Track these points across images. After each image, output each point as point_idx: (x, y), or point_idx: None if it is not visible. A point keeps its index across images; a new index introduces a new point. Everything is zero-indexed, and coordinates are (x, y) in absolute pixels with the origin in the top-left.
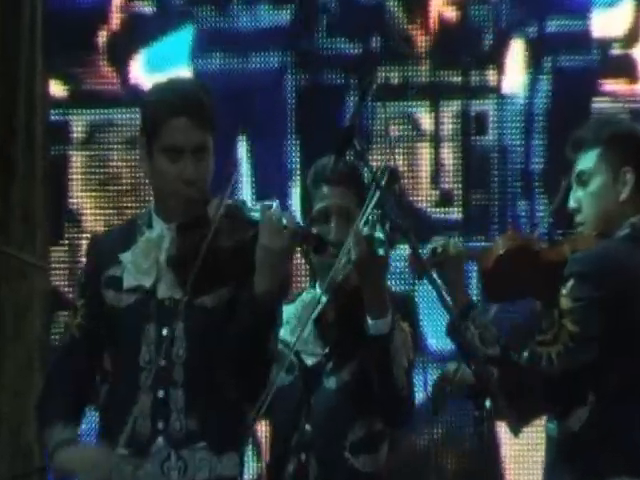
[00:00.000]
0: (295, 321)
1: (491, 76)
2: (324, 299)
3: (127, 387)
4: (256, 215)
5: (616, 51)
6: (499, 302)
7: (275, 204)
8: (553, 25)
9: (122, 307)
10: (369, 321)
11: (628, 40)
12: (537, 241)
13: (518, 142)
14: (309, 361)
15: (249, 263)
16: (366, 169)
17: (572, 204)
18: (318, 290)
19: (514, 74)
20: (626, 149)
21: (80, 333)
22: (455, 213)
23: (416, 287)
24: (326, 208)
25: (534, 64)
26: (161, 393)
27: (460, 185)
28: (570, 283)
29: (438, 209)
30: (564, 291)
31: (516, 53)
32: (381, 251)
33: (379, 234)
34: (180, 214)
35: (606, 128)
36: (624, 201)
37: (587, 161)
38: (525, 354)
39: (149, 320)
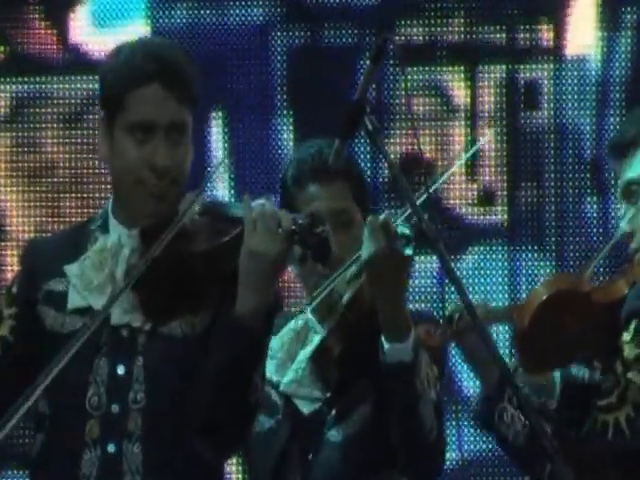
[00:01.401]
0: (283, 355)
1: (546, 33)
2: (321, 328)
3: (69, 438)
4: (240, 211)
5: None
6: (542, 372)
7: (266, 201)
8: None
9: (65, 333)
10: (385, 346)
11: None
12: (585, 281)
13: (584, 121)
14: (305, 409)
15: (233, 273)
16: (381, 156)
17: (624, 227)
18: (311, 315)
19: (580, 30)
20: None
21: (1, 349)
22: (498, 214)
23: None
24: (317, 212)
25: (609, 17)
26: (112, 447)
27: (505, 178)
28: (633, 325)
29: (476, 209)
30: (627, 336)
31: (583, 2)
32: (408, 250)
33: (404, 229)
34: (146, 215)
35: None
36: None
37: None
38: (587, 427)
39: (100, 353)
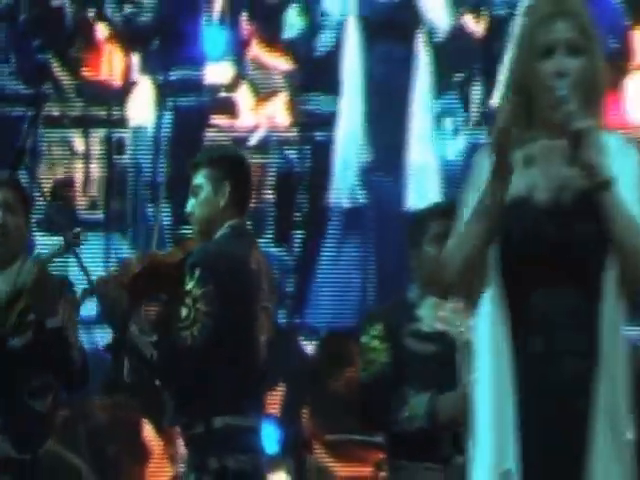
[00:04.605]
0: None
1: (128, 111)
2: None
3: None
4: None
5: (222, 94)
6: (141, 299)
7: None
8: (176, 73)
9: None
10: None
11: (230, 86)
12: (158, 252)
13: (148, 161)
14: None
15: None
16: (33, 182)
17: (189, 209)
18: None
19: (146, 110)
20: (224, 167)
21: None
22: (100, 215)
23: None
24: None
25: (160, 103)
26: None
27: (104, 193)
28: (197, 273)
29: (87, 211)
30: (190, 281)
31: (147, 94)
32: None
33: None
34: None
35: (211, 153)
36: (223, 208)
37: (199, 178)
38: (171, 340)
39: None
